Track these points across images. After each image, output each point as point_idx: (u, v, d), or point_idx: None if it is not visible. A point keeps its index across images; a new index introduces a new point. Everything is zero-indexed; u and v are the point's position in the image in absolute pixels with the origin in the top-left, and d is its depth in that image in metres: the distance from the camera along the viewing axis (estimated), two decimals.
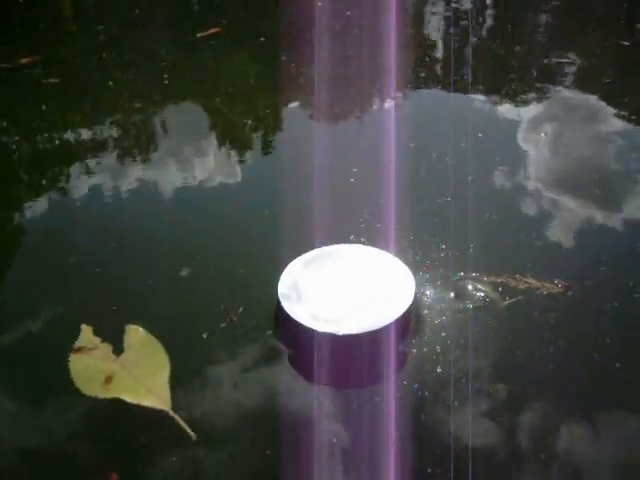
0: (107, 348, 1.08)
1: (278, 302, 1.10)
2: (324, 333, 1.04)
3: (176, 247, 1.28)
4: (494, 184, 1.43)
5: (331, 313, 1.08)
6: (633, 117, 1.66)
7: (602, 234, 1.30)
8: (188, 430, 1.00)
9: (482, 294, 1.14)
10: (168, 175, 1.49)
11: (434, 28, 2.21)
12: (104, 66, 2.03)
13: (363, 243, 1.24)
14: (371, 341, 1.05)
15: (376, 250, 1.21)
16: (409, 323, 1.09)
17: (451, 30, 2.18)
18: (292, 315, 1.07)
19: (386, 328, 1.05)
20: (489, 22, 2.35)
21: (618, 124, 1.60)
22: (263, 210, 1.37)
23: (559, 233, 1.29)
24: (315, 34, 1.86)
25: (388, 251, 1.21)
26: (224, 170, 1.52)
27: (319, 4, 2.10)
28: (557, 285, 1.14)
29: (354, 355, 1.05)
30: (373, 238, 1.25)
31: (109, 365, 1.06)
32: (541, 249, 1.25)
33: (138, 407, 1.02)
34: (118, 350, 1.08)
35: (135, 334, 1.09)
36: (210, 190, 1.46)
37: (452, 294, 1.16)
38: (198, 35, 2.10)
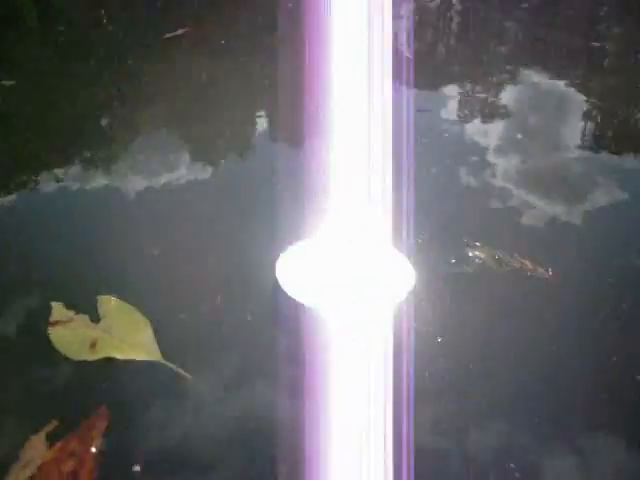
0: (83, 318, 1.08)
1: (275, 285, 1.10)
2: (321, 313, 1.05)
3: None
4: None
5: (328, 297, 1.08)
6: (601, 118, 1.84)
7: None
8: (184, 373, 1.03)
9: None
10: (134, 173, 1.49)
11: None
12: (66, 68, 1.94)
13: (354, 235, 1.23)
14: (372, 322, 1.05)
15: (369, 238, 1.21)
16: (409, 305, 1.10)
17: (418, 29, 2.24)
18: (293, 296, 1.07)
19: (388, 310, 1.07)
20: (456, 24, 2.44)
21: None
22: (238, 204, 1.38)
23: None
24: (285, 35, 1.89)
25: (379, 238, 1.22)
26: (194, 166, 1.53)
27: (289, 5, 2.12)
28: (548, 272, 1.22)
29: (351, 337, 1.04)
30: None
31: (90, 332, 1.06)
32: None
33: (131, 362, 1.04)
34: (95, 319, 1.09)
35: (108, 303, 1.11)
36: (181, 187, 1.46)
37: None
38: (167, 36, 2.06)
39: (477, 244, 1.28)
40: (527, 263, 1.23)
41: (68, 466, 0.82)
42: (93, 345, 1.04)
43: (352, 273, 1.14)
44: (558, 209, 1.43)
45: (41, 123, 1.70)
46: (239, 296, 1.16)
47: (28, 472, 0.80)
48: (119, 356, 1.03)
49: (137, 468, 0.84)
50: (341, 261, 1.17)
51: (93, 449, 0.85)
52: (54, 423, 0.88)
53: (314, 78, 1.61)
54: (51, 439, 0.86)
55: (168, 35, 2.06)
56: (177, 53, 2.01)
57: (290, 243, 1.19)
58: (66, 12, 2.31)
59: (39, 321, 1.07)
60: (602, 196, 1.48)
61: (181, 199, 1.42)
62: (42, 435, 0.86)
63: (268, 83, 1.88)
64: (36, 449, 0.83)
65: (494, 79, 1.99)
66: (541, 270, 1.21)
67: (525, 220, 1.38)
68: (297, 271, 1.13)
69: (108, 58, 2.03)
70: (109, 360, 1.02)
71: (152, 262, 1.22)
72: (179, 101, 1.80)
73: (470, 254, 1.26)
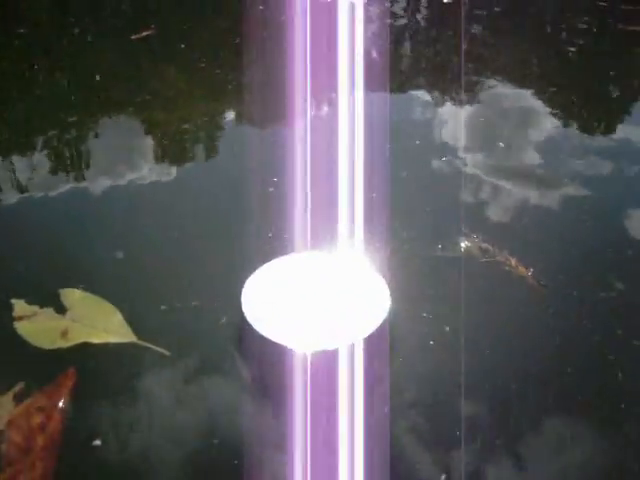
0: (48, 311, 1.04)
1: (243, 318, 1.02)
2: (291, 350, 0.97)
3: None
4: None
5: (296, 328, 1.01)
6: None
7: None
8: (161, 350, 0.99)
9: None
10: (99, 174, 1.46)
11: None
12: (31, 71, 1.90)
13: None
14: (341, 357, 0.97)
15: (344, 255, 1.16)
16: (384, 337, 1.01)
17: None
18: (259, 331, 0.99)
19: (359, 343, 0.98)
20: (428, 27, 2.43)
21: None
22: (202, 217, 1.33)
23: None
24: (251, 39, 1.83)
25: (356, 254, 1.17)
26: (158, 168, 1.50)
27: (260, 7, 2.11)
28: (528, 271, 1.20)
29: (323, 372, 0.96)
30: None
31: (58, 323, 1.02)
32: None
33: (105, 344, 1.00)
34: (61, 311, 1.05)
35: (72, 295, 1.07)
36: (146, 188, 1.42)
37: None
38: (133, 37, 2.02)
39: (473, 236, 1.27)
40: (511, 260, 1.22)
41: (36, 419, 0.84)
42: (64, 334, 1.00)
43: (325, 298, 1.06)
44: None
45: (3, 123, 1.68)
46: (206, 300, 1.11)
47: None
48: (94, 340, 0.99)
49: (97, 442, 0.85)
50: (313, 284, 1.08)
51: (60, 404, 0.86)
52: (20, 385, 0.88)
53: (282, 81, 1.64)
54: (18, 400, 0.87)
55: (134, 37, 2.03)
56: (142, 55, 1.99)
57: (258, 262, 1.11)
58: (30, 15, 2.27)
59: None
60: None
61: (145, 200, 1.39)
62: (10, 395, 0.87)
63: (232, 86, 1.86)
64: (4, 408, 0.85)
65: (461, 82, 2.00)
66: (522, 269, 1.20)
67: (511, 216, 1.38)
68: (264, 301, 1.03)
69: (74, 59, 2.01)
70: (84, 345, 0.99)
71: (117, 264, 1.18)
72: (144, 103, 1.78)
73: (460, 243, 1.26)
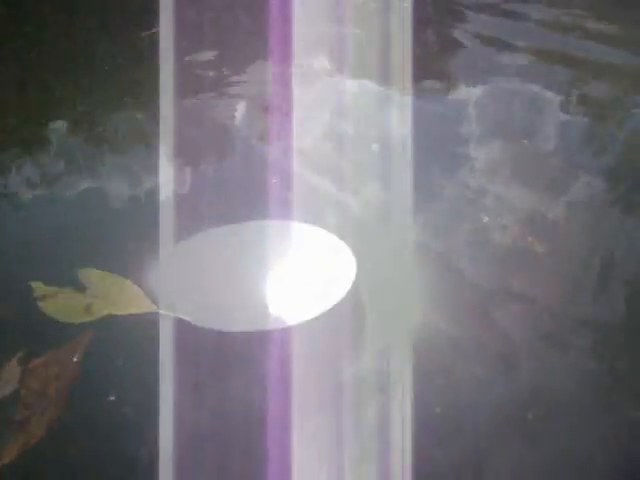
0: (68, 290, 1.04)
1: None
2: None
3: None
4: None
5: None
6: None
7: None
8: (184, 317, 1.00)
9: None
10: (112, 174, 1.44)
11: None
12: (42, 66, 1.91)
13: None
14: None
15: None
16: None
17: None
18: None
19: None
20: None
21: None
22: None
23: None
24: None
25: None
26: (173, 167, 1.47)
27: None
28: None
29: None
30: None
31: (80, 300, 1.02)
32: None
33: (130, 316, 1.00)
34: (81, 290, 1.05)
35: (90, 274, 1.07)
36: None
37: None
38: (143, 34, 2.02)
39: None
40: (529, 238, 1.19)
41: (54, 369, 0.90)
42: (88, 309, 1.00)
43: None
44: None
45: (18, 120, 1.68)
46: None
47: (10, 387, 0.88)
48: (119, 312, 1.00)
49: (112, 398, 0.88)
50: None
51: (75, 359, 0.91)
52: (23, 351, 0.94)
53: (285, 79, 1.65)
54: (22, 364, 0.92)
55: (145, 33, 2.02)
56: (149, 52, 1.92)
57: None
58: (40, 9, 2.28)
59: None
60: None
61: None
62: (14, 361, 0.92)
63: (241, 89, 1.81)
64: (12, 370, 0.91)
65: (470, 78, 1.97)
66: (538, 246, 1.17)
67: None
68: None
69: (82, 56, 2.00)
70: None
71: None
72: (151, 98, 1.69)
73: (482, 217, 1.24)
